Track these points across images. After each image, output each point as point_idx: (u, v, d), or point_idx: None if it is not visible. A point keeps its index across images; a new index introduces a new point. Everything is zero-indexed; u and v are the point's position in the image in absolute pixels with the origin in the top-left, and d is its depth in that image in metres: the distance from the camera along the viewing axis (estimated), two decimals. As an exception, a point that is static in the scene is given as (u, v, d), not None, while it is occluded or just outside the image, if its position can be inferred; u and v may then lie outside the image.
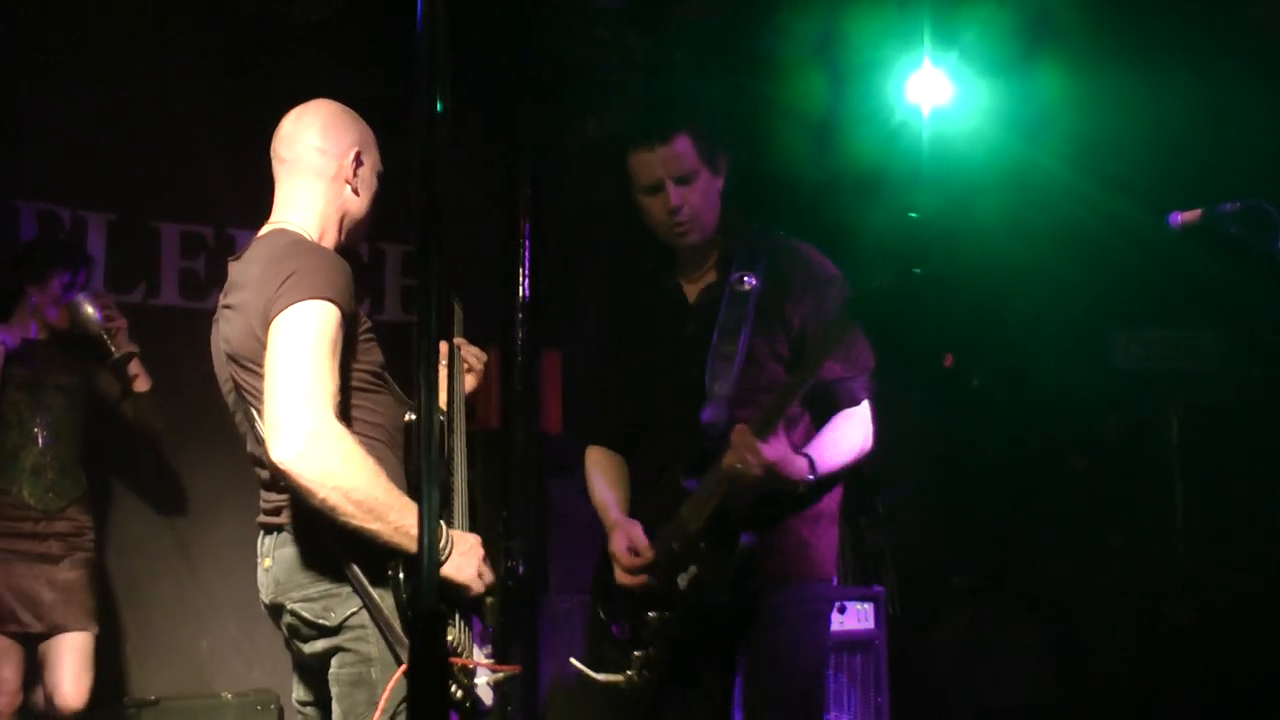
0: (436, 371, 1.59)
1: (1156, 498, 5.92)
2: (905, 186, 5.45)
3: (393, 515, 2.58)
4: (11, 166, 4.93)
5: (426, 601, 1.48)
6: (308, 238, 2.83)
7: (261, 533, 2.84)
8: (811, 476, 3.12)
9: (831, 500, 3.34)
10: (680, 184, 3.25)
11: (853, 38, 5.33)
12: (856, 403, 3.29)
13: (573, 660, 3.43)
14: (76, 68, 5.02)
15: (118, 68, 5.12)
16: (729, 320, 3.25)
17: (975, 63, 5.57)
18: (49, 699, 4.45)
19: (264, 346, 2.64)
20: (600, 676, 3.29)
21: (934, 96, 5.63)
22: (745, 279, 3.26)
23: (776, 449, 3.03)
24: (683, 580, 3.16)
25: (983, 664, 6.17)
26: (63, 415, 4.60)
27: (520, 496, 5.05)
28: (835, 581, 3.47)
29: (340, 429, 2.58)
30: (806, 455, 3.14)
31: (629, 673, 3.23)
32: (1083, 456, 6.38)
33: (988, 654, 6.20)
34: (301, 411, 2.54)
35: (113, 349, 4.50)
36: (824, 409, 3.30)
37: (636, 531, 3.27)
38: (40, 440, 4.53)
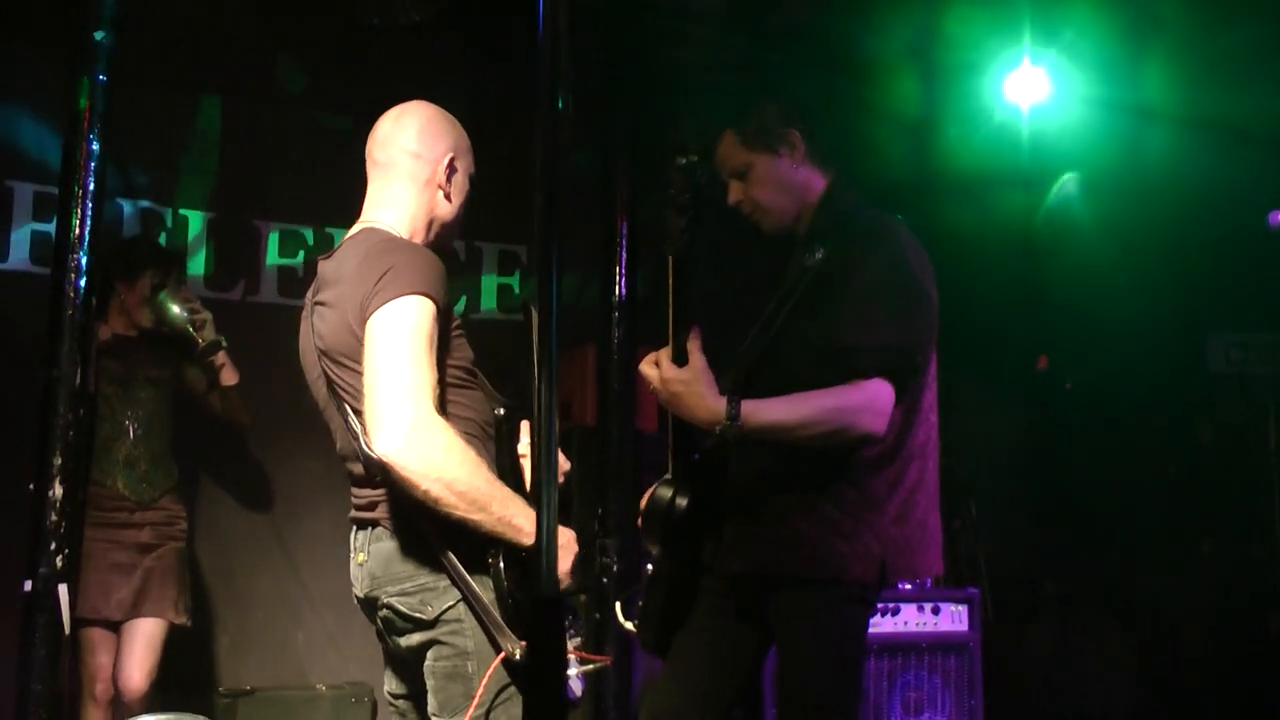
0: (555, 362, 1.60)
1: (1254, 504, 5.82)
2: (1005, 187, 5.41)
3: (495, 506, 2.61)
4: (115, 165, 5.02)
5: (547, 588, 1.49)
6: (399, 237, 2.86)
7: (354, 528, 2.86)
8: (731, 422, 2.89)
9: (855, 493, 3.04)
10: (738, 179, 3.29)
11: (950, 37, 5.30)
12: (858, 376, 2.95)
13: (616, 608, 3.44)
14: (179, 70, 5.11)
15: (220, 69, 5.21)
16: (785, 294, 3.17)
17: (1075, 60, 5.51)
18: (115, 682, 4.52)
19: (360, 342, 2.66)
20: (625, 623, 3.32)
21: (1033, 95, 5.58)
22: (816, 252, 3.13)
23: (682, 374, 2.93)
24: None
25: (1076, 671, 6.10)
26: (153, 408, 4.69)
27: (616, 494, 5.08)
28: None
29: (442, 421, 2.60)
30: (735, 400, 2.90)
31: (636, 621, 3.27)
32: (1206, 431, 6.22)
33: (1081, 661, 6.13)
34: (404, 404, 2.56)
35: (199, 340, 4.58)
36: (832, 377, 2.97)
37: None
38: (131, 432, 4.62)
